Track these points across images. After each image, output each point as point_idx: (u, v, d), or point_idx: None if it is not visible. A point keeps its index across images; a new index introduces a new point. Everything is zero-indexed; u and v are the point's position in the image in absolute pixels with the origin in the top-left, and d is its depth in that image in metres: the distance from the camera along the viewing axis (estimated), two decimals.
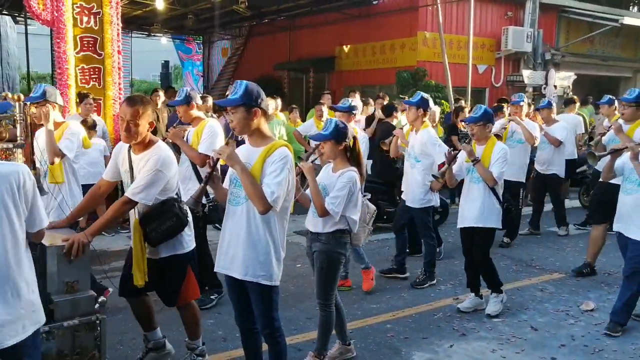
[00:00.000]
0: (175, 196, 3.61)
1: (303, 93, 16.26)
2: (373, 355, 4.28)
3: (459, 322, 4.90)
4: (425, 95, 5.79)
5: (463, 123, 8.64)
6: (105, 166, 7.38)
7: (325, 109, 8.59)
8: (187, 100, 5.06)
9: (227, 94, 11.88)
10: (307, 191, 3.90)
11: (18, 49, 18.88)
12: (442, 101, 11.85)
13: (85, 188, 4.73)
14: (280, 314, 4.89)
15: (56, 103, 4.88)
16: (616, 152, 4.49)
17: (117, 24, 8.03)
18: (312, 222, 3.95)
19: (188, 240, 3.72)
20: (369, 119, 8.91)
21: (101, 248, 7.03)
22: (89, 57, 7.86)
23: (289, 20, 16.65)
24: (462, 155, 4.99)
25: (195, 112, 5.15)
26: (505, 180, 6.72)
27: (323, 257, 3.87)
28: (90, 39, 7.84)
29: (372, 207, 5.17)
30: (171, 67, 31.01)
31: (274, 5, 14.76)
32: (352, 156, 3.89)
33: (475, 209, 4.96)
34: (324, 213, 3.74)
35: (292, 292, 5.57)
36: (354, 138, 3.90)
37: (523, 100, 7.44)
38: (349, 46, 14.96)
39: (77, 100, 7.53)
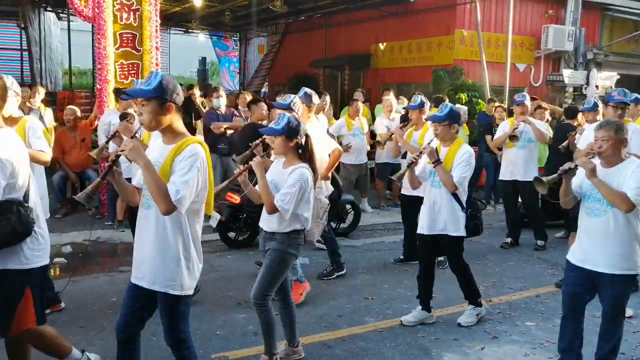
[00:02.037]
0: (21, 199, 2.99)
1: (338, 90, 16.22)
2: (403, 355, 4.26)
3: (491, 324, 4.84)
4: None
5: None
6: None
7: (361, 105, 8.57)
8: None
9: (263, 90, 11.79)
10: (256, 187, 3.81)
11: (61, 45, 19.34)
12: (479, 100, 11.69)
13: None
14: (312, 310, 4.99)
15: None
16: (568, 173, 3.72)
17: (156, 21, 8.19)
18: (267, 221, 3.85)
19: (30, 255, 3.07)
20: (404, 117, 8.84)
21: (112, 242, 7.14)
22: (128, 53, 8.04)
23: (325, 17, 16.63)
24: (426, 157, 4.72)
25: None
26: (516, 181, 6.45)
27: (275, 255, 3.78)
28: (129, 35, 8.02)
29: (325, 201, 5.12)
30: (208, 63, 31.40)
31: (310, 2, 14.77)
32: (304, 153, 3.78)
33: (436, 215, 4.69)
34: (272, 210, 3.63)
35: (323, 289, 5.58)
36: (307, 135, 3.80)
37: (527, 99, 7.19)
38: (385, 44, 14.87)
39: (115, 95, 7.70)
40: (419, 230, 4.81)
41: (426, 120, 5.89)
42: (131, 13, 7.98)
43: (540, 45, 13.61)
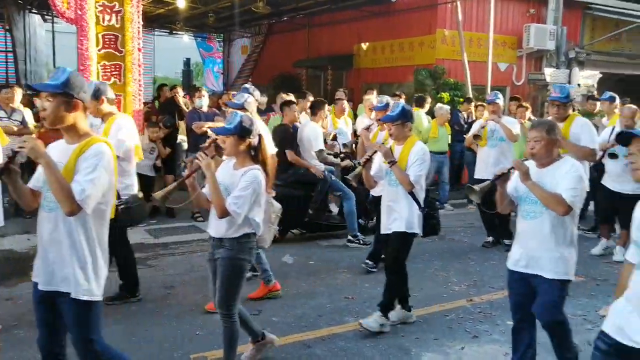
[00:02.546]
0: None
1: (321, 90, 16.22)
2: (383, 354, 4.26)
3: (472, 324, 4.85)
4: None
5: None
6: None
7: (346, 104, 8.59)
8: (96, 95, 4.70)
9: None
10: (205, 190, 3.65)
11: (46, 47, 19.24)
12: (461, 99, 11.73)
13: None
14: (291, 310, 4.98)
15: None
16: (501, 178, 3.57)
17: (138, 22, 8.20)
18: (215, 227, 3.65)
19: None
20: None
21: None
22: (111, 54, 8.03)
23: (307, 18, 16.63)
24: (380, 156, 4.68)
25: (106, 108, 4.88)
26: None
27: (226, 264, 3.59)
28: (111, 36, 8.02)
29: (277, 205, 5.01)
30: (192, 64, 31.28)
31: (292, 3, 14.76)
32: (256, 154, 3.64)
33: (393, 213, 4.64)
34: (223, 214, 3.44)
35: (304, 289, 5.58)
36: (260, 136, 3.68)
37: (499, 98, 7.21)
38: (367, 44, 14.89)
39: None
40: (382, 230, 4.78)
41: (380, 121, 5.84)
42: (113, 15, 7.98)
43: (522, 44, 13.68)
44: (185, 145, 9.15)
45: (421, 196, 4.62)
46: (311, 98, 8.72)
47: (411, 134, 4.73)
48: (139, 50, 8.29)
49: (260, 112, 11.27)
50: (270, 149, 5.01)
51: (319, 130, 7.31)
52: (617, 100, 7.99)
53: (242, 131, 3.55)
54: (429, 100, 9.61)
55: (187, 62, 28.59)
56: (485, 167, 7.09)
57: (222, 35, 22.91)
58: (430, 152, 9.13)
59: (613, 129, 6.65)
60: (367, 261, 6.17)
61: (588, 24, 15.03)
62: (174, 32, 21.57)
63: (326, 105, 7.71)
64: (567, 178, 3.34)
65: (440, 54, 12.75)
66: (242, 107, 5.14)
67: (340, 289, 5.64)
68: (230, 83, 21.79)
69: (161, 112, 10.17)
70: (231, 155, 3.68)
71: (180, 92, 10.90)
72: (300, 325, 4.72)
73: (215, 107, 9.58)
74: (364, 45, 14.97)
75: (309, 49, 17.14)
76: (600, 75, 14.14)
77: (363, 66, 15.10)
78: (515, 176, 3.58)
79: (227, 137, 3.59)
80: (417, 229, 4.61)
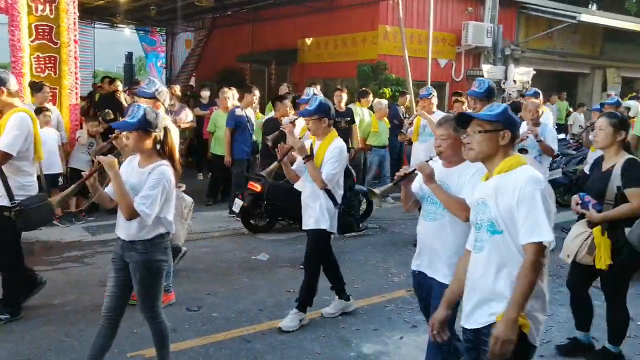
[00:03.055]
0: None
1: (265, 85, 16.18)
2: (323, 346, 4.31)
3: (410, 314, 4.95)
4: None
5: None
6: (61, 156, 7.38)
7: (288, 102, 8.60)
8: None
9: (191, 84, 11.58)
10: (108, 189, 3.42)
11: None
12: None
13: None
14: (232, 305, 4.99)
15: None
16: (405, 179, 3.39)
17: (74, 13, 7.97)
18: (125, 229, 3.38)
19: None
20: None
21: (54, 239, 6.94)
22: (45, 46, 7.79)
23: (251, 12, 16.55)
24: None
25: (6, 99, 4.40)
26: None
27: (143, 268, 3.37)
28: (45, 27, 7.78)
29: (189, 199, 4.91)
30: (135, 58, 30.57)
31: None
32: (162, 149, 3.40)
33: (309, 209, 4.58)
34: (132, 215, 3.20)
35: (245, 284, 5.58)
36: (166, 129, 3.42)
37: (431, 94, 7.31)
38: (311, 39, 14.95)
39: (31, 88, 7.45)
40: (303, 227, 4.71)
41: (299, 114, 5.73)
42: (47, 4, 7.75)
43: (461, 41, 14.04)
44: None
45: (338, 193, 4.56)
46: (257, 92, 8.74)
47: (330, 129, 4.57)
48: (75, 42, 8.07)
49: (202, 106, 11.22)
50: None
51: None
52: (541, 96, 8.35)
53: (147, 125, 3.28)
54: (370, 95, 9.73)
55: (129, 56, 27.93)
56: (416, 162, 7.23)
57: (165, 28, 22.50)
58: (372, 146, 9.46)
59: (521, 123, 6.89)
60: None
61: (523, 22, 15.57)
62: (115, 25, 21.02)
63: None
64: (471, 183, 3.06)
65: (382, 50, 12.94)
66: (153, 97, 4.71)
67: (282, 282, 5.66)
68: (174, 77, 21.45)
69: (100, 106, 9.92)
70: (135, 152, 3.43)
71: (120, 86, 10.69)
72: (241, 320, 4.72)
73: None
74: (308, 41, 15.02)
75: (253, 44, 17.05)
76: (534, 72, 14.67)
77: (307, 61, 15.15)
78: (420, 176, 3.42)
79: (130, 132, 3.31)
80: (331, 226, 4.54)
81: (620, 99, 7.68)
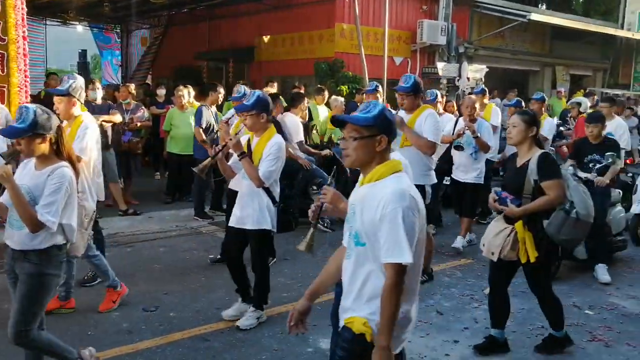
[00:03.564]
0: None
1: (223, 83, 16.09)
2: (281, 342, 4.33)
3: None
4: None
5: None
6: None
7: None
8: None
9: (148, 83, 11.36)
10: (3, 198, 3.17)
11: None
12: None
13: None
14: (189, 304, 4.98)
15: None
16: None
17: (22, 8, 7.71)
18: (16, 238, 3.13)
19: None
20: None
21: None
22: None
23: (208, 10, 16.41)
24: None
25: None
26: None
27: (33, 281, 3.13)
28: None
29: (91, 207, 4.54)
30: (90, 56, 29.91)
31: None
32: (59, 150, 3.17)
33: (247, 208, 4.45)
34: (35, 227, 3.00)
35: (203, 283, 5.57)
36: (59, 127, 3.21)
37: (376, 90, 7.44)
38: (268, 37, 14.94)
39: None
40: (234, 223, 4.55)
41: (235, 110, 5.47)
42: None
43: (416, 39, 14.25)
44: None
45: (276, 191, 4.49)
46: (222, 90, 8.66)
47: (269, 125, 4.47)
48: (24, 39, 7.83)
49: (159, 104, 11.10)
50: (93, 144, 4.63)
51: (298, 122, 7.42)
52: (487, 93, 8.57)
53: (38, 128, 3.05)
54: (326, 92, 9.80)
55: (83, 54, 27.33)
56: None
57: (119, 26, 22.08)
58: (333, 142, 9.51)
59: (457, 120, 6.98)
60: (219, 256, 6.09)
61: (476, 21, 15.91)
62: (68, 22, 20.50)
63: (305, 98, 7.87)
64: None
65: (339, 48, 13.04)
66: (67, 94, 4.53)
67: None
68: (130, 75, 21.10)
69: (47, 105, 9.67)
70: (30, 156, 3.19)
71: None
72: (199, 319, 4.72)
73: (111, 99, 9.30)
74: (265, 38, 15.00)
75: (210, 41, 16.93)
76: (487, 70, 15.01)
77: (264, 59, 15.13)
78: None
79: (22, 138, 3.06)
80: (270, 225, 4.46)
81: (545, 96, 8.16)
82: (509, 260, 4.00)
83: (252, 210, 4.41)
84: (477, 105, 6.85)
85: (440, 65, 14.29)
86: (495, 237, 4.03)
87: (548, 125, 7.65)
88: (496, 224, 4.10)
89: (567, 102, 14.29)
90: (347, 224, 2.55)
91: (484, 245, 4.14)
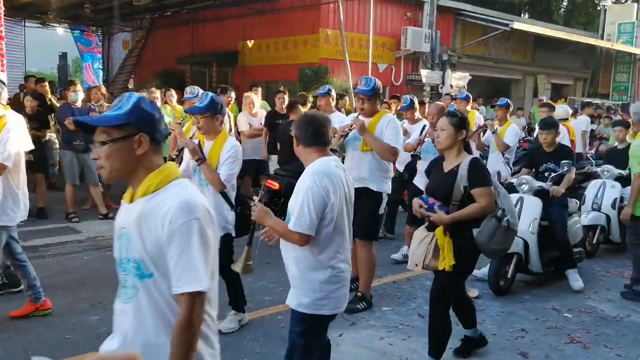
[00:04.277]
0: None
1: (206, 87, 16.01)
2: (263, 346, 4.29)
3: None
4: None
5: None
6: None
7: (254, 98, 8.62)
8: None
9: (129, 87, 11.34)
10: None
11: None
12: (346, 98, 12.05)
13: None
14: None
15: None
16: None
17: (0, 8, 7.60)
18: None
19: None
20: (270, 115, 8.89)
21: None
22: None
23: (191, 13, 16.34)
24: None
25: None
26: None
27: None
28: None
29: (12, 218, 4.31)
30: (71, 59, 29.59)
31: None
32: None
33: None
34: None
35: None
36: None
37: (329, 92, 7.17)
38: (252, 41, 14.90)
39: None
40: None
41: (187, 112, 5.21)
42: None
43: (400, 46, 14.31)
44: (57, 143, 8.66)
45: (232, 195, 4.32)
46: (233, 94, 8.58)
47: (222, 128, 4.30)
48: (1, 39, 7.72)
49: None
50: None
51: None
52: (471, 99, 8.64)
53: None
54: (310, 99, 9.78)
55: (63, 57, 27.06)
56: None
57: (101, 28, 21.89)
58: None
59: (424, 127, 6.65)
60: None
61: (459, 29, 16.05)
62: (48, 23, 20.25)
63: (300, 106, 7.72)
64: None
65: (323, 53, 13.04)
66: None
67: (221, 284, 5.58)
68: (111, 79, 20.91)
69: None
70: None
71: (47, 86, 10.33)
72: None
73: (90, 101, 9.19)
74: (249, 43, 14.97)
75: (193, 45, 16.85)
76: (470, 77, 15.13)
77: (248, 63, 15.09)
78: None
79: None
80: (230, 230, 4.32)
81: (510, 102, 7.82)
82: (434, 269, 3.82)
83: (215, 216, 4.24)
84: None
85: (423, 72, 14.37)
86: (418, 246, 3.86)
87: (512, 132, 7.37)
88: (419, 233, 3.92)
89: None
90: (119, 262, 2.04)
91: (407, 256, 3.97)
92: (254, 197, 3.15)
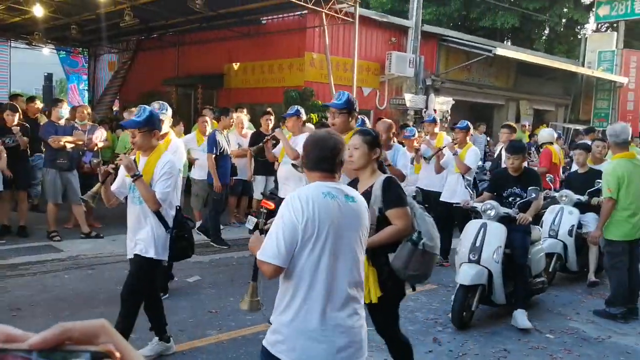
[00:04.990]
0: None
1: (191, 109, 16.05)
2: None
3: None
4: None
5: None
6: None
7: (209, 120, 8.61)
8: None
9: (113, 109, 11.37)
10: None
11: None
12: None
13: None
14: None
15: None
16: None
17: None
18: None
19: None
20: (255, 135, 8.94)
21: None
22: None
23: (177, 36, 16.43)
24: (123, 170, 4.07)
25: None
26: None
27: None
28: None
29: None
30: (55, 80, 29.53)
31: (162, 20, 14.51)
32: None
33: (137, 235, 4.03)
34: None
35: (166, 305, 5.38)
36: None
37: (296, 113, 6.80)
38: (238, 64, 14.99)
39: None
40: (128, 255, 4.18)
41: (122, 125, 5.26)
42: None
43: (385, 71, 14.49)
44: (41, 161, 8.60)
45: (170, 214, 4.11)
46: (234, 115, 8.61)
47: (159, 143, 4.12)
48: None
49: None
50: None
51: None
52: (439, 122, 8.57)
53: None
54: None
55: (48, 78, 27.04)
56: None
57: (87, 50, 21.92)
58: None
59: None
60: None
61: (443, 54, 16.28)
62: (34, 44, 20.25)
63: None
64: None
65: (308, 77, 13.15)
66: None
67: (204, 303, 5.58)
68: (97, 100, 20.89)
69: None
70: None
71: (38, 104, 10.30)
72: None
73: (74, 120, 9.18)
74: (235, 66, 15.05)
75: (179, 67, 16.90)
76: (454, 102, 15.32)
77: (234, 86, 15.16)
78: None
79: None
80: (160, 253, 4.06)
81: (470, 124, 7.72)
82: None
83: (141, 237, 4.02)
84: (425, 134, 6.83)
85: (407, 96, 14.51)
86: None
87: (473, 154, 7.33)
88: None
89: (529, 136, 14.73)
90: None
91: None
92: (251, 217, 3.02)
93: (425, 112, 14.62)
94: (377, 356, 4.49)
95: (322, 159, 2.66)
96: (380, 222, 3.37)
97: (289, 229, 2.45)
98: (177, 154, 5.46)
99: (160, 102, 5.88)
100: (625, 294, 5.67)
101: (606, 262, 5.93)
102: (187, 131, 10.34)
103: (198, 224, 8.18)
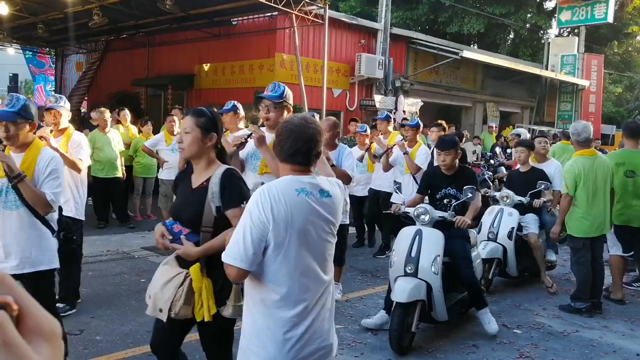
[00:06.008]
0: None
1: (161, 109, 15.92)
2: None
3: None
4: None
5: None
6: None
7: (177, 120, 8.61)
8: None
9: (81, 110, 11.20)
10: None
11: None
12: None
13: None
14: (117, 328, 4.84)
15: None
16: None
17: None
18: None
19: None
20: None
21: None
22: None
23: (147, 37, 16.31)
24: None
25: None
26: None
27: None
28: None
29: None
30: (21, 81, 28.98)
31: (132, 20, 14.37)
32: None
33: (21, 246, 3.42)
34: None
35: (134, 307, 5.41)
36: None
37: (233, 109, 6.54)
38: (208, 65, 14.95)
39: None
40: (9, 270, 3.37)
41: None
42: None
43: (355, 72, 14.59)
44: None
45: (54, 218, 3.59)
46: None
47: (34, 137, 3.55)
48: None
49: (91, 127, 10.84)
50: None
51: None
52: (393, 122, 8.73)
53: None
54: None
55: (14, 78, 26.52)
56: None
57: (54, 50, 21.55)
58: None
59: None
60: None
61: (411, 56, 16.48)
62: None
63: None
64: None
65: (278, 77, 13.14)
66: None
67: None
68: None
69: None
70: None
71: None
72: (127, 342, 4.58)
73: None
74: (205, 66, 15.00)
75: (148, 68, 16.78)
76: (422, 104, 15.51)
77: (204, 87, 15.11)
78: None
79: None
80: (54, 261, 3.56)
81: (416, 120, 7.72)
82: (185, 317, 2.81)
83: (24, 248, 3.43)
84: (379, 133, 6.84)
85: (377, 97, 14.65)
86: (163, 288, 2.79)
87: (423, 153, 7.02)
88: (165, 270, 2.90)
89: (496, 137, 15.04)
90: None
91: (149, 297, 2.87)
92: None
93: (394, 112, 14.78)
94: (347, 353, 4.54)
95: (298, 151, 2.32)
96: (219, 223, 2.79)
97: (257, 229, 2.19)
98: (83, 148, 5.13)
99: (56, 94, 5.40)
100: (589, 289, 5.81)
101: (571, 258, 6.09)
102: (156, 132, 10.28)
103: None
